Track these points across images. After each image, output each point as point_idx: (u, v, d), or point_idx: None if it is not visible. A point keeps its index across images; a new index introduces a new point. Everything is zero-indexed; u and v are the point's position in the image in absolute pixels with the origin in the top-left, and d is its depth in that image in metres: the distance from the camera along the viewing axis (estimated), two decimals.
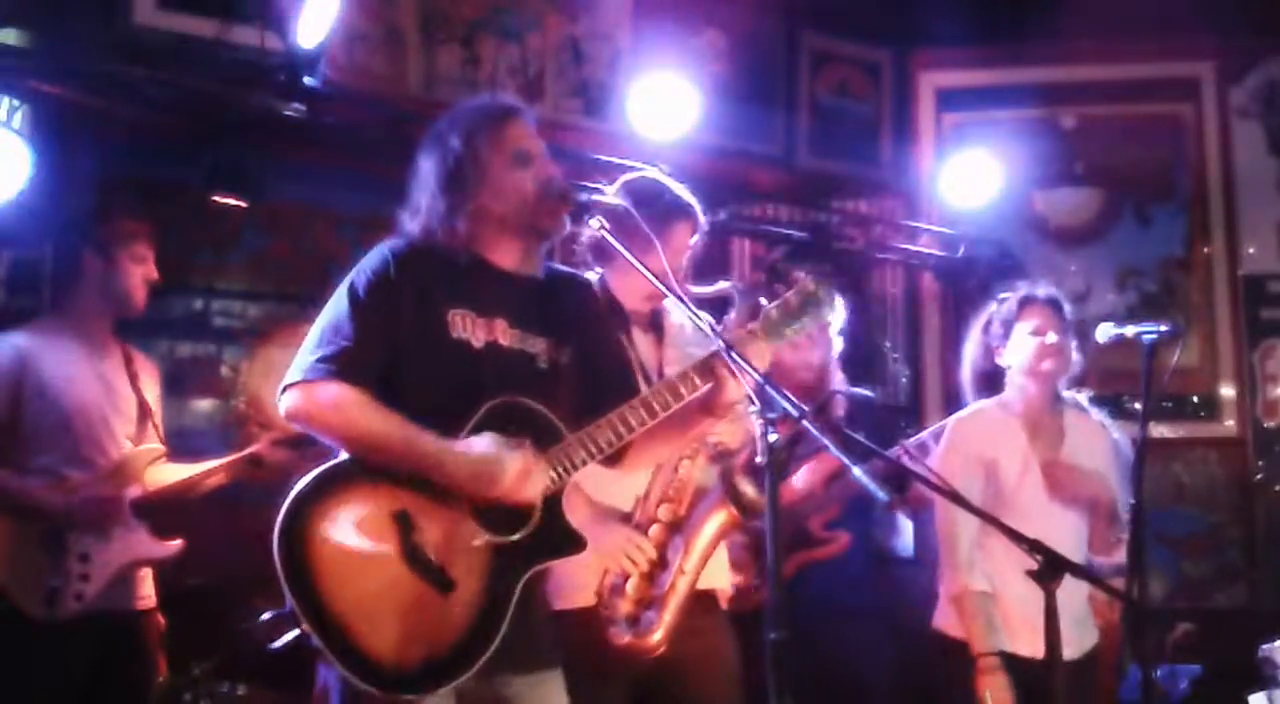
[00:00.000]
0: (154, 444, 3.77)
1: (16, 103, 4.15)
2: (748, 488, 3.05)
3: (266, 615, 2.32)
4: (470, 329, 2.50)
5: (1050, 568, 2.28)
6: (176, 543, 3.72)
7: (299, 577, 2.25)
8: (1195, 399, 6.02)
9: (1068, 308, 3.65)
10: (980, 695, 3.32)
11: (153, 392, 3.87)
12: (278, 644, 2.27)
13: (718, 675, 3.16)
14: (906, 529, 4.63)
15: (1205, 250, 6.15)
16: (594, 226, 2.57)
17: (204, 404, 5.10)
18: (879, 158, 6.34)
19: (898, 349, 6.31)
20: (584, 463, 2.46)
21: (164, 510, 3.70)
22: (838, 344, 4.45)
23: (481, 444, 2.36)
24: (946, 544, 3.51)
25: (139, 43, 4.41)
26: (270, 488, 3.88)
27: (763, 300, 2.67)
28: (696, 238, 3.25)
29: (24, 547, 3.49)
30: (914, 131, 6.36)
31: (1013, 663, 3.35)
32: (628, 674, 3.06)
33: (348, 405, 2.37)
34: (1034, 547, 2.28)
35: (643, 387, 2.67)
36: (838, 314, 4.35)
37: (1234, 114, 6.18)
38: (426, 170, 2.59)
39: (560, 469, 2.44)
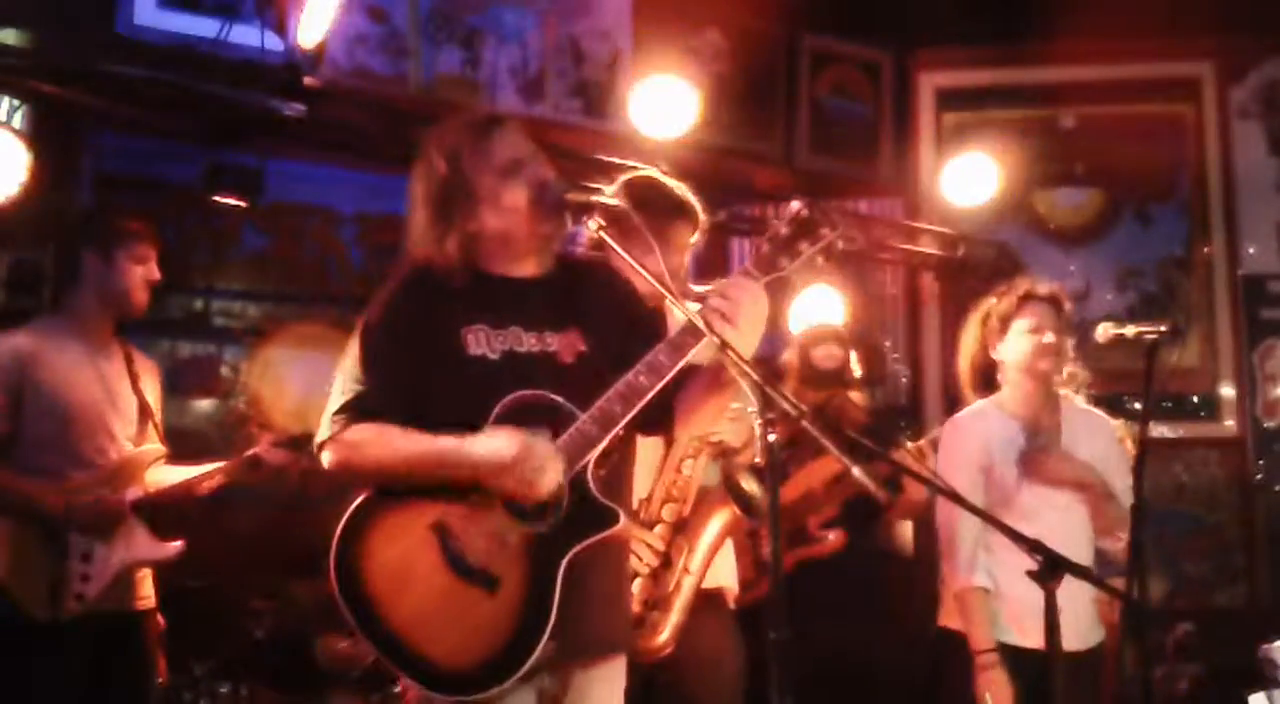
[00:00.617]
0: (154, 445, 3.77)
1: (16, 103, 4.15)
2: (751, 486, 3.05)
3: (343, 643, 2.44)
4: (487, 343, 2.51)
5: (1050, 568, 2.29)
6: (177, 544, 3.71)
7: (358, 605, 2.36)
8: (1195, 399, 6.02)
9: (1068, 306, 3.64)
10: (980, 695, 3.32)
11: (153, 392, 3.87)
12: (358, 674, 2.39)
13: (719, 676, 3.16)
14: (906, 529, 4.63)
15: (1205, 250, 6.16)
16: (592, 228, 2.56)
17: (204, 404, 5.10)
18: (879, 158, 6.35)
19: (898, 349, 6.31)
20: (600, 438, 2.42)
21: (164, 511, 3.70)
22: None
23: (493, 441, 2.37)
24: (948, 543, 3.51)
25: (139, 43, 4.41)
26: (270, 490, 3.91)
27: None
28: (698, 236, 3.24)
29: (25, 546, 3.48)
30: (914, 131, 6.37)
31: (1021, 656, 3.35)
32: (632, 673, 3.06)
33: (368, 441, 2.44)
34: (1034, 547, 2.28)
35: None
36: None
37: (1234, 114, 6.19)
38: (416, 194, 2.59)
39: (580, 447, 2.42)
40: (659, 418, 2.54)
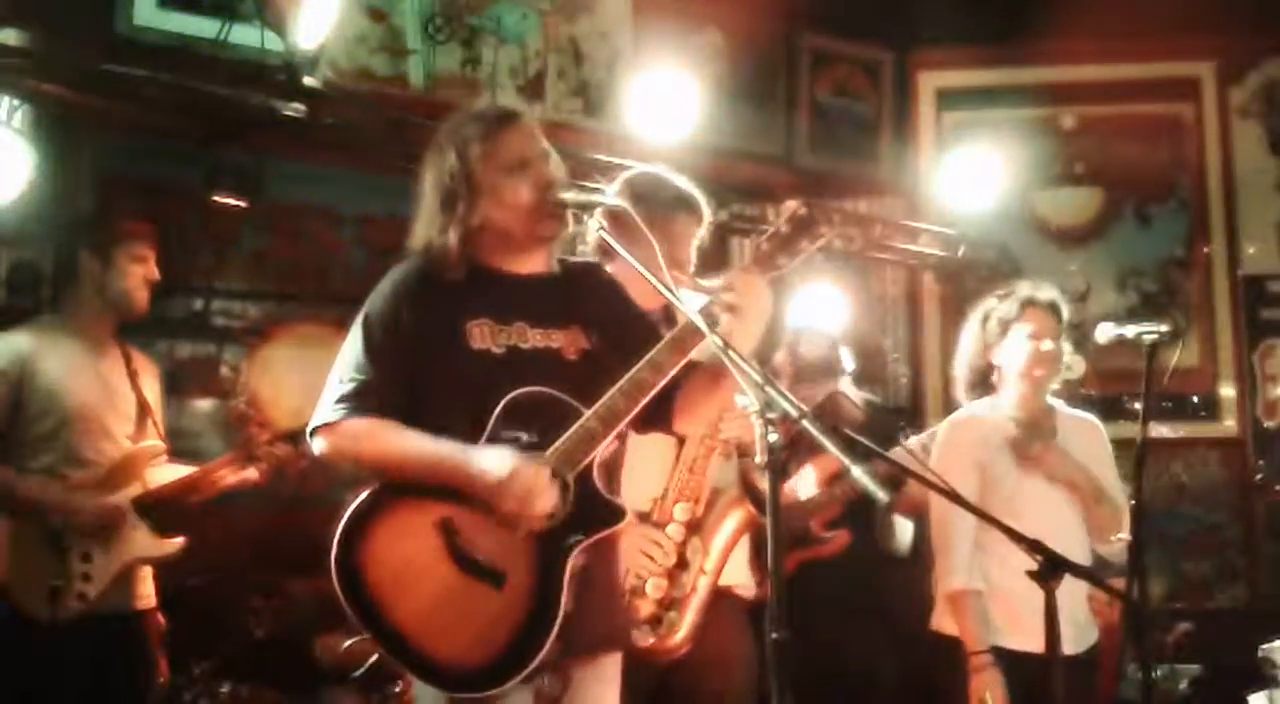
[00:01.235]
0: (154, 442, 3.77)
1: (16, 103, 4.14)
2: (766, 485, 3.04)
3: (349, 642, 2.43)
4: (490, 338, 2.51)
5: (1050, 568, 2.29)
6: (178, 541, 3.72)
7: (362, 602, 2.34)
8: (1195, 399, 6.02)
9: (1066, 311, 3.64)
10: (978, 696, 3.32)
11: (153, 391, 3.87)
12: (359, 673, 2.37)
13: (733, 675, 3.16)
14: (906, 529, 4.62)
15: (1205, 250, 6.15)
16: (593, 227, 2.57)
17: (204, 404, 5.10)
18: (879, 158, 6.34)
19: (898, 349, 6.31)
20: (605, 434, 2.45)
21: (164, 508, 3.70)
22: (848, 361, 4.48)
23: (489, 462, 2.37)
24: (941, 545, 3.52)
25: (139, 43, 4.41)
26: (269, 489, 3.91)
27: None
28: (703, 230, 3.24)
29: (26, 546, 3.49)
30: (914, 131, 6.36)
31: (1014, 659, 3.35)
32: (648, 674, 3.06)
33: (368, 436, 2.44)
34: (1034, 547, 2.28)
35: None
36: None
37: (1234, 114, 6.18)
38: (426, 186, 2.60)
39: (584, 443, 2.44)
40: (658, 415, 2.56)
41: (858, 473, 2.07)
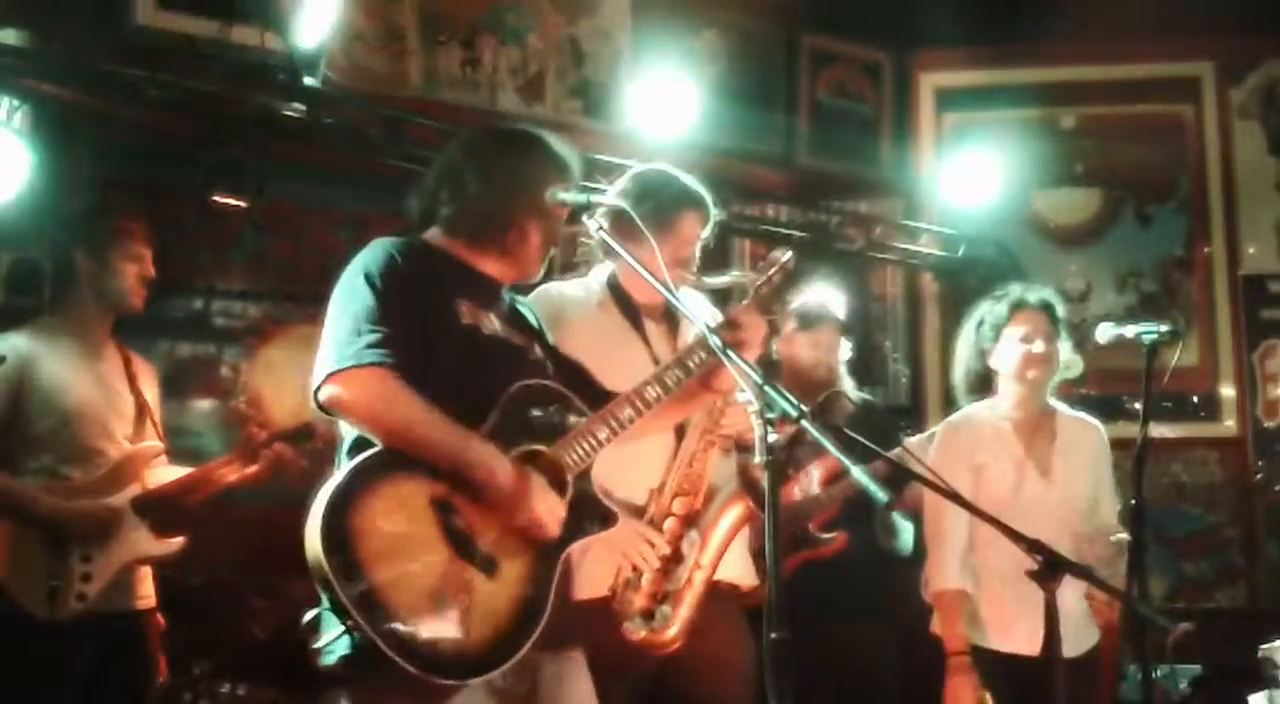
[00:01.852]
0: (153, 442, 3.77)
1: (16, 103, 4.14)
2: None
3: (310, 614, 2.32)
4: (477, 317, 2.55)
5: (1050, 568, 2.29)
6: (177, 541, 3.71)
7: (346, 568, 2.21)
8: (1195, 399, 6.02)
9: (1060, 310, 3.64)
10: (952, 696, 3.33)
11: (151, 393, 3.86)
12: (324, 642, 2.27)
13: (731, 674, 3.14)
14: (907, 529, 4.62)
15: (1205, 250, 6.16)
16: (593, 228, 2.58)
17: (204, 404, 5.10)
18: (879, 158, 6.35)
19: (898, 349, 6.31)
20: (608, 439, 2.52)
21: (164, 508, 3.69)
22: (845, 349, 4.47)
23: (509, 480, 2.38)
24: (933, 545, 3.52)
25: (139, 43, 4.41)
26: (270, 488, 3.90)
27: (750, 274, 2.79)
28: (708, 228, 3.24)
29: (25, 546, 3.48)
30: (914, 131, 6.37)
31: (1006, 662, 3.35)
32: (640, 668, 3.06)
33: (400, 397, 2.34)
34: (1034, 547, 2.28)
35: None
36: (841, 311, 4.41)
37: (1234, 114, 6.18)
38: (462, 182, 2.62)
39: (586, 446, 2.50)
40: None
41: (857, 472, 2.07)
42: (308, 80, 4.36)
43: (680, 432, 3.11)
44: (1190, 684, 4.60)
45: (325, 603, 2.26)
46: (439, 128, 4.54)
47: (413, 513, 2.32)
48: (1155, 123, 6.26)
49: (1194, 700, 4.61)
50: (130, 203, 3.94)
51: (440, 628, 2.27)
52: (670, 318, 3.31)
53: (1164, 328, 3.40)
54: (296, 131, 4.47)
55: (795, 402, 2.18)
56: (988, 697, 3.30)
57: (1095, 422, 3.68)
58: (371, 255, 2.51)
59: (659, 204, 3.06)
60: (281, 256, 5.36)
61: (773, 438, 2.16)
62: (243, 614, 4.28)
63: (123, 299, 3.70)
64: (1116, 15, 5.62)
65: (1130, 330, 3.46)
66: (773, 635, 2.11)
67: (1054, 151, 6.26)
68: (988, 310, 3.65)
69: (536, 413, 2.48)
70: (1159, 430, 5.52)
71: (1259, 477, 5.93)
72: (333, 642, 2.25)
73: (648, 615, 2.98)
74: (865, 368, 5.79)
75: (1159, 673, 4.27)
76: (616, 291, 3.25)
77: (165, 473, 3.75)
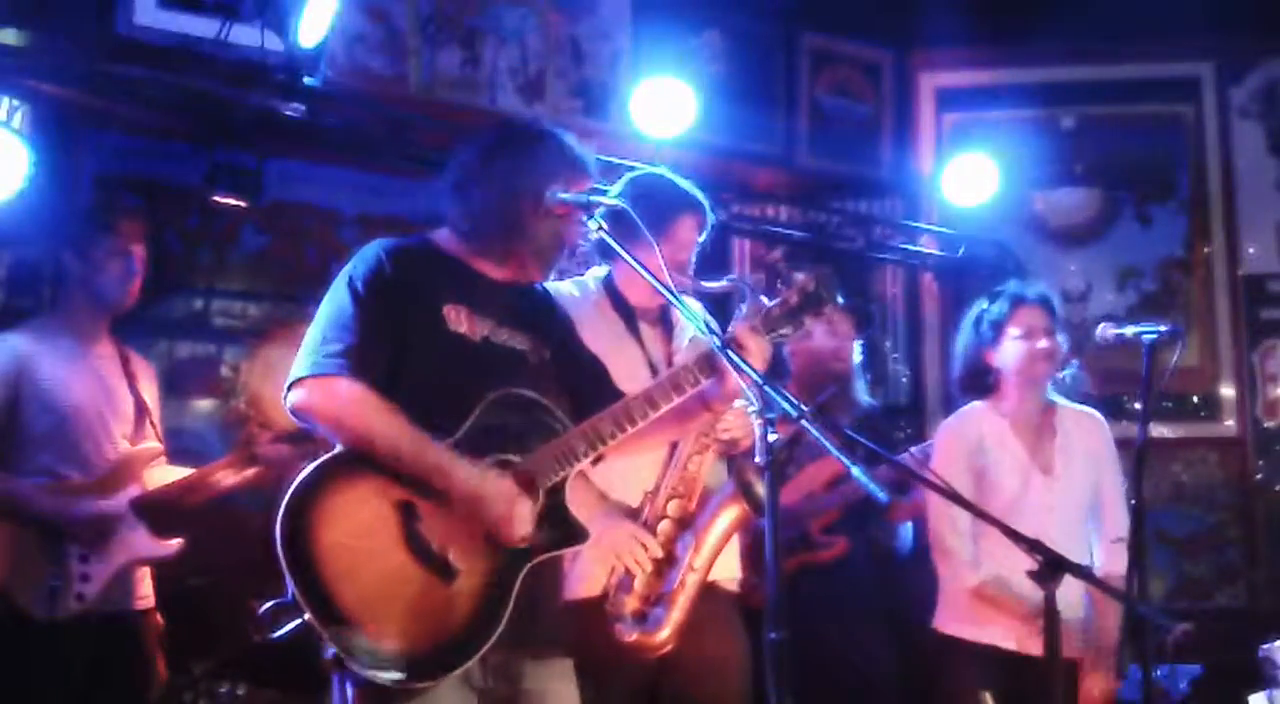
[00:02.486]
0: (152, 443, 3.77)
1: (16, 103, 4.14)
2: (761, 484, 3.04)
3: (268, 605, 2.31)
4: (466, 324, 2.54)
5: (1050, 568, 2.29)
6: (176, 542, 3.71)
7: (303, 568, 2.25)
8: (1195, 399, 6.02)
9: (1059, 306, 3.64)
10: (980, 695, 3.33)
11: (150, 393, 3.86)
12: (280, 633, 2.26)
13: (727, 676, 3.14)
14: (906, 530, 4.62)
15: (1205, 250, 6.15)
16: (592, 228, 2.57)
17: (204, 404, 5.10)
18: (879, 158, 6.34)
19: (898, 349, 6.31)
20: (585, 455, 2.51)
21: (163, 509, 3.69)
22: (858, 349, 4.47)
23: (474, 481, 2.37)
24: (943, 546, 3.51)
25: (139, 43, 4.41)
26: (269, 489, 3.90)
27: (764, 299, 2.69)
28: (704, 232, 3.24)
29: (24, 546, 3.48)
30: (914, 131, 6.36)
31: (1007, 659, 3.35)
32: (633, 670, 3.06)
33: (360, 404, 2.37)
34: (1034, 546, 2.28)
35: (649, 381, 2.70)
36: (843, 316, 4.38)
37: (1234, 114, 6.18)
38: (465, 181, 2.61)
39: (562, 459, 2.49)
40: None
41: (858, 473, 2.07)
42: (308, 80, 4.36)
43: None
44: (1190, 684, 4.60)
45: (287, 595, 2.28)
46: (439, 128, 4.55)
47: (375, 517, 2.34)
48: (1155, 123, 6.26)
49: (1194, 700, 4.60)
50: (119, 201, 3.94)
51: (399, 632, 2.28)
52: (664, 321, 3.31)
53: (1164, 328, 3.41)
54: (296, 131, 4.47)
55: (795, 402, 2.18)
56: (988, 696, 3.30)
57: (1096, 414, 3.68)
58: (360, 259, 2.53)
59: (656, 208, 3.06)
60: (281, 256, 5.36)
61: (772, 438, 2.16)
62: (242, 614, 4.28)
63: (112, 296, 3.71)
64: (1116, 15, 5.61)
65: (1130, 330, 3.47)
66: (772, 635, 2.11)
67: (1054, 151, 6.25)
68: (986, 308, 3.65)
69: (514, 421, 2.47)
70: (1159, 430, 5.54)
71: (1259, 477, 5.92)
72: (285, 633, 2.27)
73: (640, 617, 2.99)
74: (865, 368, 5.79)
75: (1159, 673, 4.27)
76: (613, 293, 3.25)
77: (165, 473, 3.75)
